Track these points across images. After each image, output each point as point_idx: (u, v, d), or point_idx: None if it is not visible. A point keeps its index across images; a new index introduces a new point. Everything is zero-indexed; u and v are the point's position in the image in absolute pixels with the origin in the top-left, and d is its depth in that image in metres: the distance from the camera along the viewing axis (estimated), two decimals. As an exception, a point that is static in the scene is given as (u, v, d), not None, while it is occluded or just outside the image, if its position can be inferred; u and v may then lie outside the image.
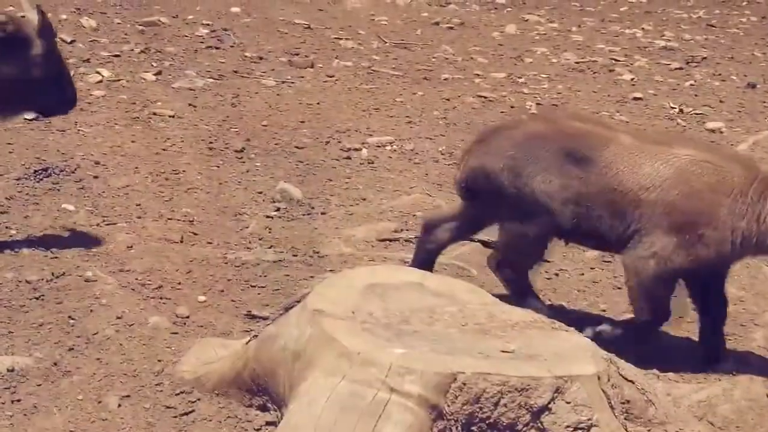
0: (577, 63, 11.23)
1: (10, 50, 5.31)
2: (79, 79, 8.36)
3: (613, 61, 11.40)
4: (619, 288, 5.85)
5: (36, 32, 5.39)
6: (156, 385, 4.26)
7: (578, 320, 5.26)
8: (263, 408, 3.99)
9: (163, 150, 7.44)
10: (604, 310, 5.56)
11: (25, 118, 7.46)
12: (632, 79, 10.67)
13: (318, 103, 8.89)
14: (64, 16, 10.51)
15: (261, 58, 10.20)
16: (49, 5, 6.05)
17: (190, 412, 4.07)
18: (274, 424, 3.89)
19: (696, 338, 5.23)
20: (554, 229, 4.88)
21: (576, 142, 4.80)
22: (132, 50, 9.87)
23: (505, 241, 4.98)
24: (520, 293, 4.97)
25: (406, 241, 6.23)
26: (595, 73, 10.89)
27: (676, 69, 11.26)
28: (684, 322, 5.48)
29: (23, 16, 5.44)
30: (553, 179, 4.76)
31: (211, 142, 7.68)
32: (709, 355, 5.02)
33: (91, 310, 4.88)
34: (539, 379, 3.49)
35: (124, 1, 11.60)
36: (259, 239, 6.08)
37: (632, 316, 4.98)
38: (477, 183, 4.93)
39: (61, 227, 5.94)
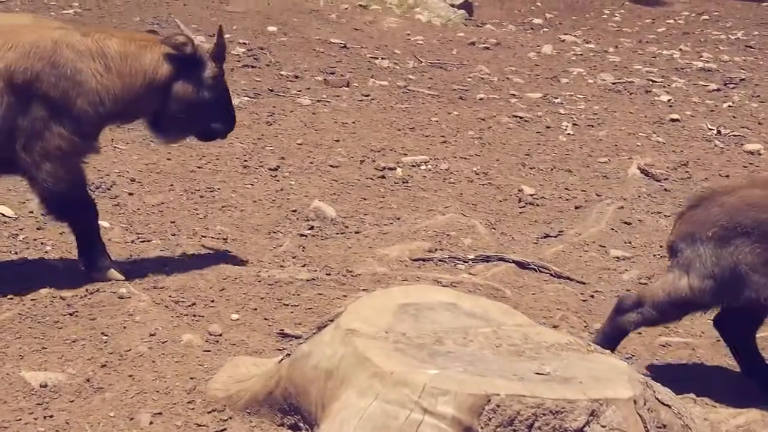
0: (613, 84, 11.19)
1: (186, 71, 5.34)
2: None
3: (650, 82, 11.34)
4: (656, 310, 5.78)
5: (210, 55, 5.42)
6: (188, 402, 4.25)
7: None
8: (295, 427, 3.96)
9: (198, 168, 7.47)
10: (639, 332, 5.48)
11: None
12: (669, 101, 10.60)
13: (353, 122, 8.90)
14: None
15: (297, 77, 10.24)
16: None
17: (222, 430, 4.05)
18: (305, 443, 3.87)
19: (733, 362, 5.16)
20: (745, 303, 4.64)
21: None
22: (169, 68, 9.94)
23: (666, 294, 4.73)
24: (608, 343, 4.68)
25: (439, 260, 6.20)
26: (631, 94, 10.84)
27: (713, 90, 11.18)
28: (721, 347, 5.41)
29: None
30: (765, 252, 4.51)
31: (245, 160, 7.71)
32: None
33: (125, 327, 4.88)
34: (574, 402, 3.44)
35: (161, 20, 11.69)
36: (293, 257, 6.07)
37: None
38: (685, 247, 4.72)
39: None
